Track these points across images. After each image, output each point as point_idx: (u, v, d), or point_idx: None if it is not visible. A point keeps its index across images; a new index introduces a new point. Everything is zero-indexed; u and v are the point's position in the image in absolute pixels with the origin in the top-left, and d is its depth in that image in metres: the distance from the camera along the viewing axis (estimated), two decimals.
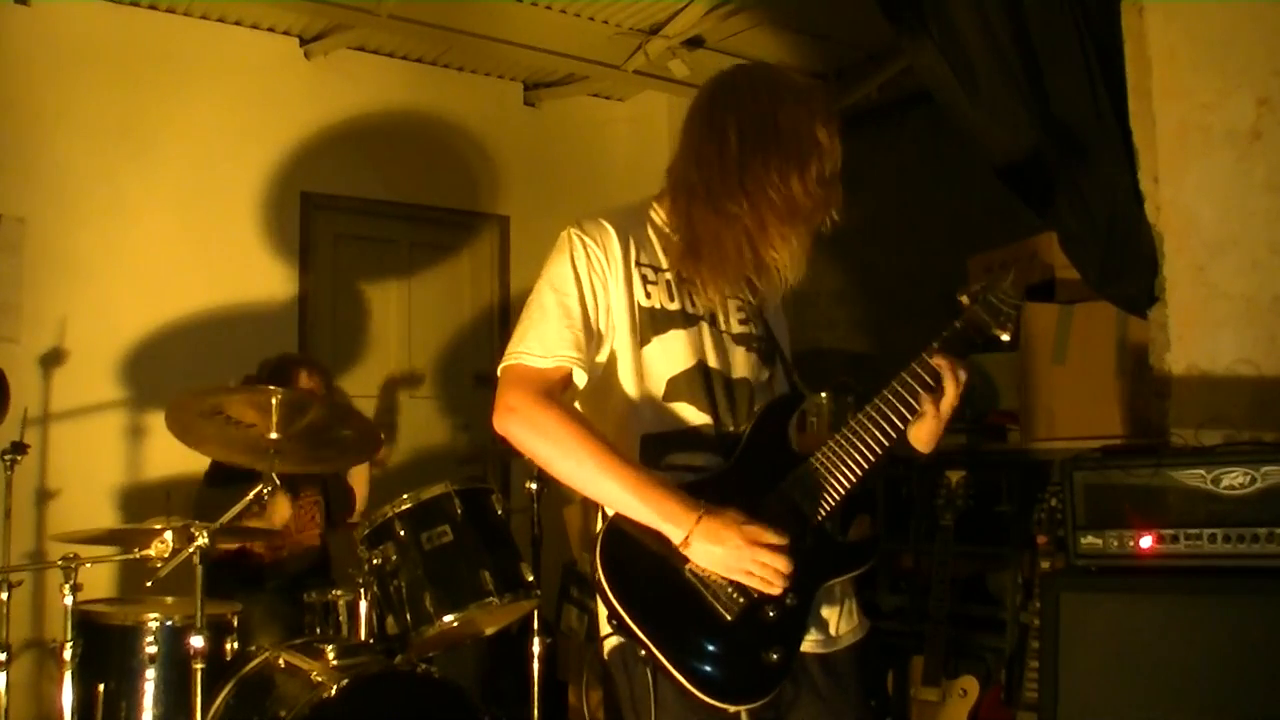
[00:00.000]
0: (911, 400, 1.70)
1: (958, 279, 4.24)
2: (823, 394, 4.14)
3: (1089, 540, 2.33)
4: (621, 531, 1.60)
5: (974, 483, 3.48)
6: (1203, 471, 2.22)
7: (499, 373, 1.68)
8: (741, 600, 1.58)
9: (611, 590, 1.57)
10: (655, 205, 1.79)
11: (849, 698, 1.73)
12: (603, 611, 1.62)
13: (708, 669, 1.55)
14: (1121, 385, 3.16)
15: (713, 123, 1.70)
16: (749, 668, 1.57)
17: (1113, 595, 2.27)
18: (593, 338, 1.67)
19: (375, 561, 2.74)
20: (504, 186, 5.42)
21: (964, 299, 1.79)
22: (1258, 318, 2.69)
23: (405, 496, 2.76)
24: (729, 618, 1.58)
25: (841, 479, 1.67)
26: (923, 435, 1.75)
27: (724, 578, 1.58)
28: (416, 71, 5.20)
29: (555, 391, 1.64)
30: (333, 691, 2.52)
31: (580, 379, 1.67)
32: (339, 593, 2.96)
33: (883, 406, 1.69)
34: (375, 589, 2.79)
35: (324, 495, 3.78)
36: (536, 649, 3.02)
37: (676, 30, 4.72)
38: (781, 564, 1.56)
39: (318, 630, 3.02)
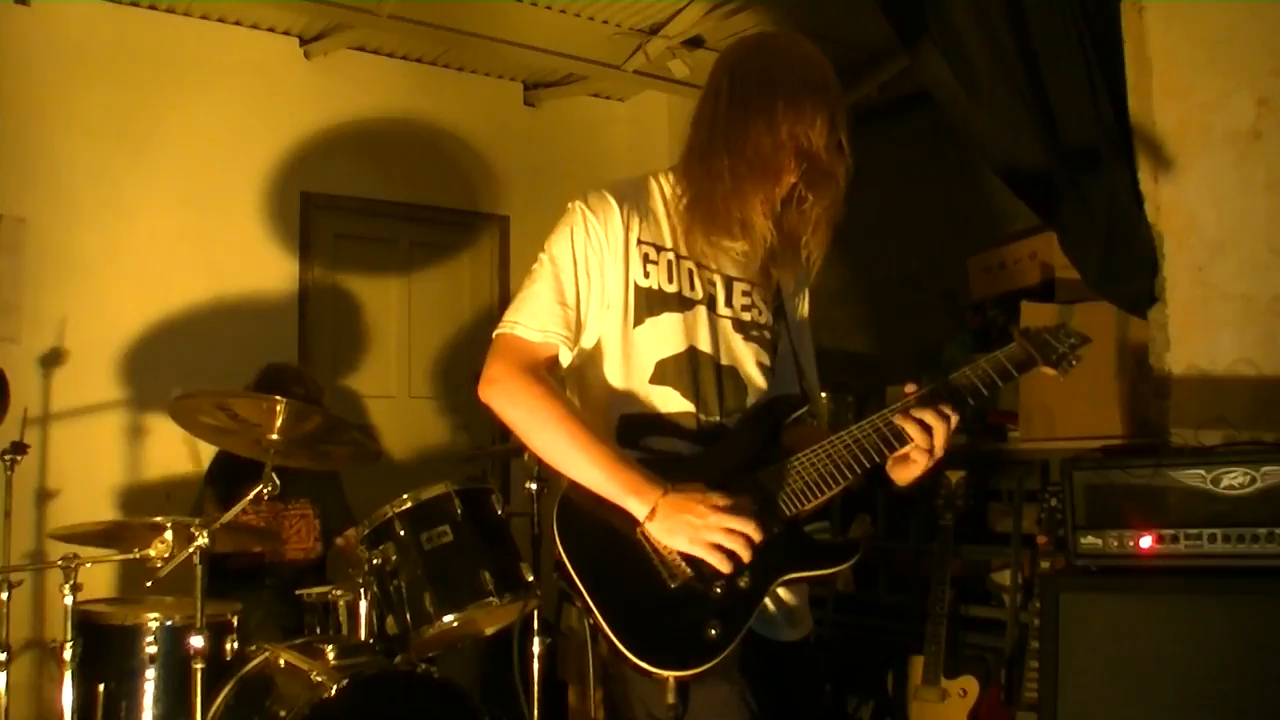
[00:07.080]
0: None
1: (958, 278, 4.30)
2: (823, 394, 4.13)
3: (1089, 540, 2.33)
4: (586, 490, 1.62)
5: (974, 483, 3.48)
6: (1203, 471, 2.22)
7: (492, 339, 1.71)
8: (689, 571, 1.56)
9: (560, 539, 1.58)
10: (667, 174, 1.79)
11: (807, 688, 1.78)
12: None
13: (638, 629, 1.52)
14: (1121, 385, 3.16)
15: (713, 83, 1.74)
16: (682, 637, 1.53)
17: (1113, 595, 2.28)
18: (583, 317, 1.69)
19: (375, 561, 2.74)
20: (504, 186, 5.42)
21: (1015, 332, 1.77)
22: (1258, 318, 2.69)
23: (405, 496, 2.76)
24: (672, 585, 1.56)
25: (828, 481, 1.64)
26: (903, 473, 1.69)
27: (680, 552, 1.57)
28: (416, 71, 5.20)
29: (540, 367, 1.67)
30: (332, 691, 2.51)
31: (565, 358, 1.69)
32: (339, 593, 2.95)
33: (894, 420, 1.64)
34: (375, 589, 2.79)
35: (320, 511, 3.75)
36: (536, 649, 3.01)
37: (676, 30, 4.72)
38: (749, 529, 1.54)
39: (318, 630, 3.03)
